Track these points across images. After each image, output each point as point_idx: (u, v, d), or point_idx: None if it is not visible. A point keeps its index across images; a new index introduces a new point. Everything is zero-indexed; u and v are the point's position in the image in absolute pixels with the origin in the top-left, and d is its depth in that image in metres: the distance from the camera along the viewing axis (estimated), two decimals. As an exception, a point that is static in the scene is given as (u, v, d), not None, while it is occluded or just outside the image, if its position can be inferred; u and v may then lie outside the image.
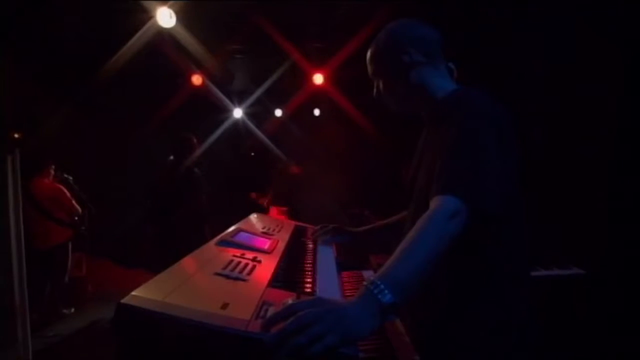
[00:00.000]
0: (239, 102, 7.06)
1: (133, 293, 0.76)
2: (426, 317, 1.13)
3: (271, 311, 0.81)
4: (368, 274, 1.66)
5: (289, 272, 1.16)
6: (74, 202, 4.36)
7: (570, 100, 2.78)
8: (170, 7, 3.80)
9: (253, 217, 1.85)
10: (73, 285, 4.76)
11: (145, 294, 0.76)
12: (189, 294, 0.82)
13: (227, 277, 0.96)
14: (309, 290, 1.05)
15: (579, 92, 2.70)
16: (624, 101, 2.38)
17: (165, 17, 3.81)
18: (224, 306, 0.78)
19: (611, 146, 2.47)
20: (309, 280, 1.12)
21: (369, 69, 1.27)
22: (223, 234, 1.35)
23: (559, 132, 2.79)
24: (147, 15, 3.80)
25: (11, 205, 2.53)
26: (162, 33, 4.10)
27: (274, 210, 5.54)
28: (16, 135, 3.07)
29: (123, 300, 0.72)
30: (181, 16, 3.88)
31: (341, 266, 1.44)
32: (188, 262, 1.03)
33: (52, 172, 4.34)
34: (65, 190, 4.32)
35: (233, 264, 1.06)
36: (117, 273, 6.11)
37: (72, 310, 4.53)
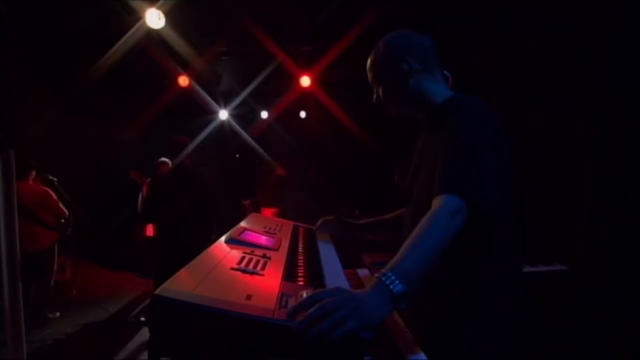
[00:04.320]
0: (225, 104, 7.06)
1: (164, 285, 0.80)
2: (428, 311, 1.20)
3: (291, 302, 0.87)
4: (362, 272, 1.73)
5: (299, 267, 1.22)
6: (60, 204, 4.29)
7: (551, 99, 2.91)
8: (159, 8, 3.81)
9: (252, 217, 1.90)
10: (57, 289, 4.70)
11: (175, 286, 0.81)
12: (214, 286, 0.87)
13: (244, 271, 1.02)
14: (319, 283, 1.11)
15: (561, 91, 2.82)
16: (608, 100, 2.50)
17: (154, 18, 3.81)
18: (248, 297, 0.84)
19: (593, 145, 2.59)
20: (318, 274, 1.18)
21: (369, 76, 1.35)
22: (230, 232, 1.40)
23: (541, 131, 2.91)
24: (136, 16, 3.79)
25: (2, 208, 2.50)
26: (151, 34, 4.10)
27: (264, 212, 5.57)
28: None
29: (157, 292, 0.77)
30: (170, 17, 3.88)
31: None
32: (204, 259, 1.08)
33: (34, 174, 4.25)
34: (52, 193, 4.26)
35: (246, 260, 1.11)
36: (101, 276, 6.05)
37: (58, 314, 4.47)
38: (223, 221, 1.60)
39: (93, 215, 5.72)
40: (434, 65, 1.27)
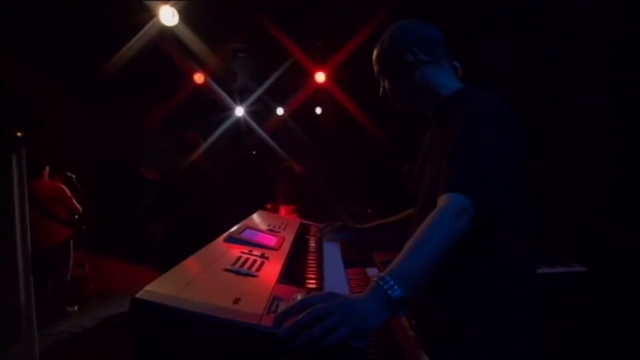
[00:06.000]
0: (240, 101, 7.07)
1: (146, 288, 0.76)
2: (432, 314, 1.14)
3: (282, 306, 0.82)
4: (372, 272, 1.67)
5: (297, 269, 1.16)
6: (74, 200, 4.36)
7: (570, 96, 2.80)
8: (173, 5, 3.81)
9: (257, 214, 1.86)
10: (76, 283, 4.79)
11: (158, 288, 0.77)
12: (201, 289, 0.83)
13: (237, 273, 0.97)
14: (317, 286, 1.06)
15: (580, 89, 2.70)
16: (624, 98, 2.40)
17: (168, 16, 3.82)
18: (236, 301, 0.79)
19: (613, 143, 2.48)
20: (317, 276, 1.13)
21: (375, 68, 1.29)
22: (230, 231, 1.36)
23: (560, 129, 2.80)
24: (150, 14, 3.81)
25: (16, 205, 2.53)
26: (165, 31, 4.11)
27: (283, 209, 5.53)
28: (19, 134, 3.07)
29: (137, 295, 0.73)
30: (184, 15, 3.89)
31: (345, 263, 1.45)
32: (198, 258, 1.04)
33: (47, 171, 4.32)
34: (66, 189, 4.33)
35: (242, 260, 1.07)
36: (119, 271, 6.15)
37: (76, 308, 4.56)
38: (238, 220, 1.56)
39: (110, 210, 5.81)
40: (442, 56, 1.20)
